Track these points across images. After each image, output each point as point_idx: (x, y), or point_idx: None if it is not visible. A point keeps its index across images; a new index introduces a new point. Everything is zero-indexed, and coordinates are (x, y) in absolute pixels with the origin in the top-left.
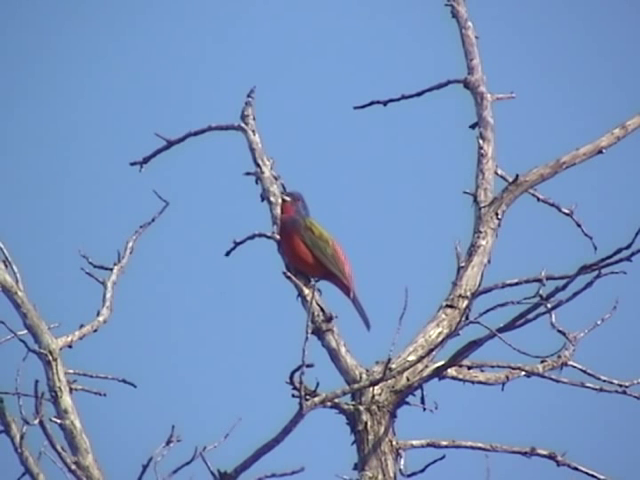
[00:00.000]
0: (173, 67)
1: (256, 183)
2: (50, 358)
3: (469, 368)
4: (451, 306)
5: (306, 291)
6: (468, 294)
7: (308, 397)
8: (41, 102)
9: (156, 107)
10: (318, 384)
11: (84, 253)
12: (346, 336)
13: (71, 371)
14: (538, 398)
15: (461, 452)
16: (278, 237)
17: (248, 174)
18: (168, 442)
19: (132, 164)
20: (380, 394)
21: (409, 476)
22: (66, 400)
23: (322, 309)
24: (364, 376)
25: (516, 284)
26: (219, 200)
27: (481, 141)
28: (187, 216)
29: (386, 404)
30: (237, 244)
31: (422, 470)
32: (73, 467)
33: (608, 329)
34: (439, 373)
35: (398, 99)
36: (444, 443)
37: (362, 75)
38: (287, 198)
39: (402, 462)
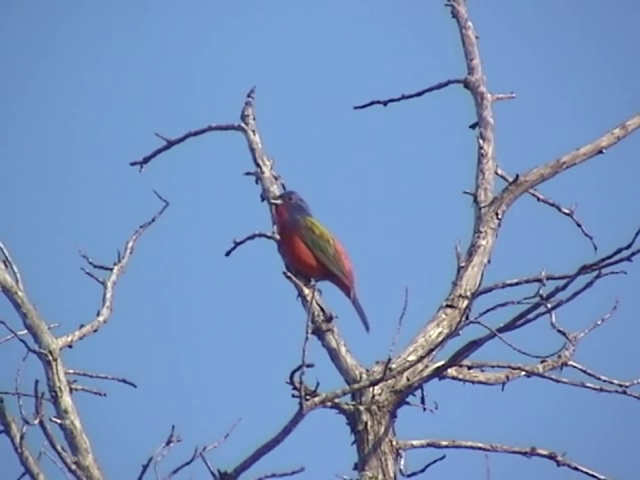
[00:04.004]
0: (173, 67)
1: (256, 183)
2: (50, 358)
3: (469, 368)
4: (451, 306)
5: (306, 291)
6: (468, 294)
7: (308, 397)
8: (41, 102)
9: (156, 107)
10: (318, 384)
11: (84, 253)
12: (346, 336)
13: (71, 371)
14: (538, 398)
15: (461, 452)
16: (278, 237)
17: (248, 174)
18: (168, 442)
19: (132, 164)
20: (380, 394)
21: (409, 476)
22: (66, 400)
23: (322, 309)
24: (364, 376)
25: (516, 284)
26: (219, 200)
27: (481, 141)
28: (187, 216)
29: (386, 404)
30: (237, 244)
31: (422, 470)
32: (73, 467)
33: (608, 329)
34: (439, 373)
35: (398, 99)
36: (444, 443)
37: (362, 75)
38: (277, 202)
39: (402, 462)
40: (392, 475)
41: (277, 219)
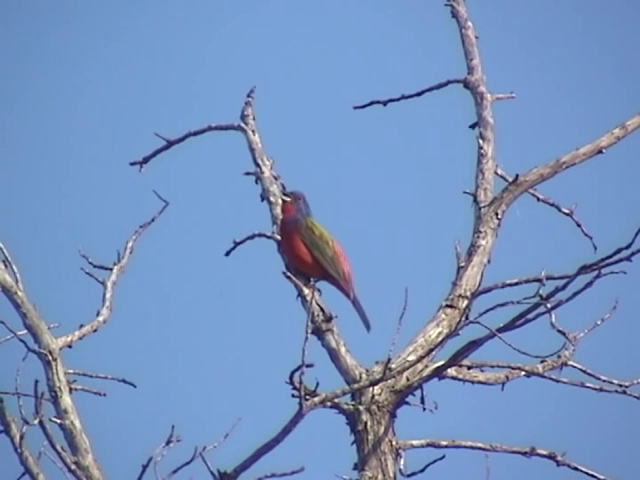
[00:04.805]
0: (173, 67)
1: (256, 183)
2: (50, 358)
3: (469, 368)
4: (451, 306)
5: (306, 291)
6: (468, 294)
7: (308, 397)
8: (41, 102)
9: (156, 107)
10: (318, 384)
11: (84, 253)
12: (346, 336)
13: (71, 371)
14: (538, 398)
15: (461, 452)
16: (278, 237)
17: (248, 174)
18: (168, 442)
19: (132, 164)
20: (380, 394)
21: (409, 476)
22: (66, 400)
23: (322, 309)
24: (364, 376)
25: (516, 284)
26: (219, 200)
27: (481, 141)
28: (187, 216)
29: (386, 404)
30: (237, 244)
31: (422, 470)
32: (73, 467)
33: (608, 329)
34: (439, 373)
35: (398, 99)
36: (444, 443)
37: (362, 75)
38: (287, 198)
39: (402, 462)
40: (392, 475)
41: (282, 215)
